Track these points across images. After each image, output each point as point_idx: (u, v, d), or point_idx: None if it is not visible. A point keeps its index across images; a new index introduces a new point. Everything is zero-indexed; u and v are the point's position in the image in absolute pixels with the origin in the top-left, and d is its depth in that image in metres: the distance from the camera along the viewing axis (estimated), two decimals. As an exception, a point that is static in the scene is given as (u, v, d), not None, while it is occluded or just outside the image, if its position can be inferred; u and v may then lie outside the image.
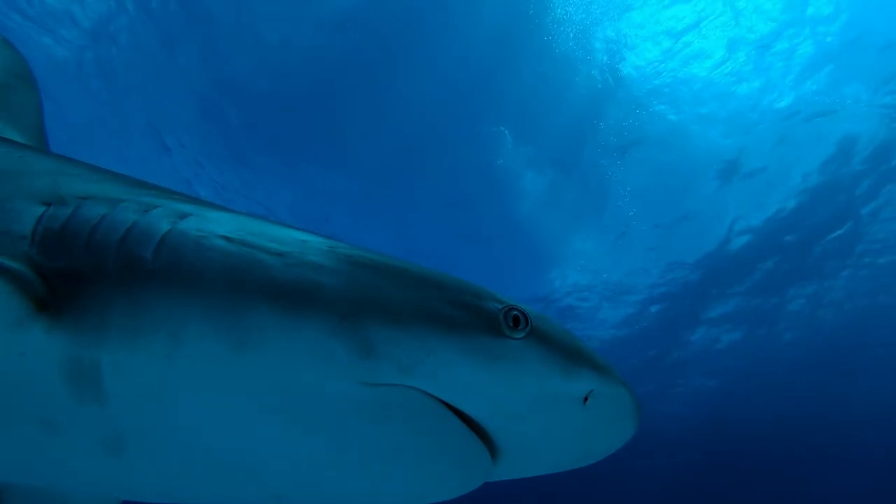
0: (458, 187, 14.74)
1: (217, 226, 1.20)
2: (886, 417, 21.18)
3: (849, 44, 11.02)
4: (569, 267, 16.43)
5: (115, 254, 1.11)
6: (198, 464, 1.17)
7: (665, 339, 18.10)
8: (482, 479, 1.26)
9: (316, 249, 1.21)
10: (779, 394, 20.34)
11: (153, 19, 10.54)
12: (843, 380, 19.63)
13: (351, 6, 11.33)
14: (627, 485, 24.76)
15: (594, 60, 12.17)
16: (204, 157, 13.05)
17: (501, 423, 1.19)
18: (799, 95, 12.02)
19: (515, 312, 1.20)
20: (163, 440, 1.12)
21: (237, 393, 1.08)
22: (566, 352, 1.21)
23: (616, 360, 1.33)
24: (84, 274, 1.09)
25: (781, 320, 17.27)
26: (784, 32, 11.14)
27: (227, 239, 1.16)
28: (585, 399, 1.20)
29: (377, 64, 12.38)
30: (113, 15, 10.22)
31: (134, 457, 1.14)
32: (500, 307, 1.21)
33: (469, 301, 1.21)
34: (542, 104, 13.22)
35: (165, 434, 1.12)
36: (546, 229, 15.64)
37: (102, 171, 1.39)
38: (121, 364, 1.06)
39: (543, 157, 14.21)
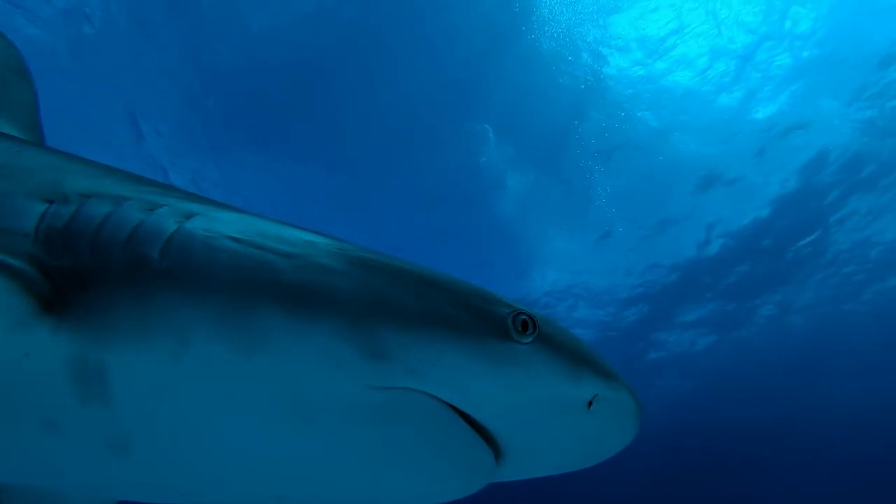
0: (440, 184, 14.73)
1: (225, 226, 1.19)
2: (851, 420, 22.03)
3: (824, 59, 11.37)
4: (548, 266, 16.60)
5: (121, 253, 1.09)
6: (202, 465, 1.15)
7: (642, 341, 18.45)
8: (486, 481, 1.27)
9: (325, 251, 1.20)
10: (750, 395, 20.95)
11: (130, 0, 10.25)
12: (812, 383, 20.33)
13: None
14: (600, 485, 25.16)
15: (578, 61, 12.27)
16: (182, 146, 12.76)
17: (506, 426, 1.20)
18: (776, 107, 12.36)
19: (524, 317, 1.20)
20: (168, 441, 1.11)
21: (244, 395, 1.07)
22: (573, 357, 1.22)
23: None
24: (89, 273, 1.07)
25: (753, 324, 17.79)
26: (763, 44, 11.43)
27: (236, 240, 1.15)
28: (590, 403, 1.22)
29: (361, 59, 12.27)
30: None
31: (138, 458, 1.13)
32: (508, 311, 1.21)
33: (477, 305, 1.21)
34: (525, 103, 13.29)
35: (170, 435, 1.10)
36: (526, 228, 15.77)
37: (102, 166, 1.36)
38: (127, 365, 1.04)
39: (526, 157, 14.30)
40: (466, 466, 1.21)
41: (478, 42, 12.17)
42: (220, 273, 1.09)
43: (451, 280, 1.27)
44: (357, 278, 1.16)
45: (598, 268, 16.14)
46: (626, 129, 13.14)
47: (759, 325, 17.80)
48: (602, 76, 12.42)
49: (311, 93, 12.66)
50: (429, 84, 12.92)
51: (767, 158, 13.15)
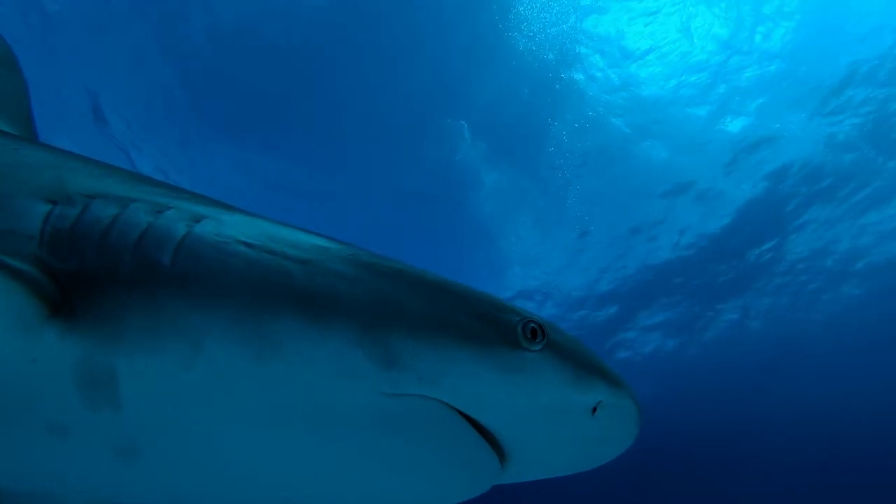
0: (414, 180, 14.71)
1: (235, 230, 1.18)
2: (809, 423, 22.94)
3: (790, 74, 11.85)
4: (518, 265, 16.77)
5: (130, 257, 1.08)
6: (211, 470, 1.15)
7: (610, 342, 18.80)
8: (490, 484, 1.29)
9: (338, 257, 1.20)
10: (713, 398, 21.56)
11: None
12: (770, 388, 21.09)
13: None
14: (559, 485, 25.54)
15: (554, 62, 12.40)
16: (146, 131, 12.32)
17: (512, 430, 1.22)
18: (744, 119, 12.79)
19: (533, 325, 1.22)
20: (178, 447, 1.10)
21: (257, 401, 1.06)
22: (580, 364, 1.25)
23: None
24: (97, 277, 1.05)
25: (717, 328, 18.34)
26: (733, 58, 11.82)
27: (248, 245, 1.15)
28: (594, 409, 1.24)
29: (336, 52, 12.15)
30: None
31: (147, 463, 1.12)
32: (517, 319, 1.23)
33: (488, 313, 1.23)
34: (501, 102, 13.37)
35: (181, 441, 1.09)
36: (500, 226, 15.89)
37: (102, 165, 1.34)
38: (137, 371, 1.02)
39: (501, 155, 14.39)
40: (473, 471, 1.23)
41: (455, 38, 12.18)
42: (233, 279, 1.08)
43: (462, 287, 1.29)
44: (369, 285, 1.16)
45: (570, 267, 16.39)
46: (599, 132, 13.38)
47: (722, 329, 18.39)
48: (578, 78, 12.60)
49: (283, 85, 12.46)
50: (404, 79, 12.87)
51: (735, 168, 13.61)
